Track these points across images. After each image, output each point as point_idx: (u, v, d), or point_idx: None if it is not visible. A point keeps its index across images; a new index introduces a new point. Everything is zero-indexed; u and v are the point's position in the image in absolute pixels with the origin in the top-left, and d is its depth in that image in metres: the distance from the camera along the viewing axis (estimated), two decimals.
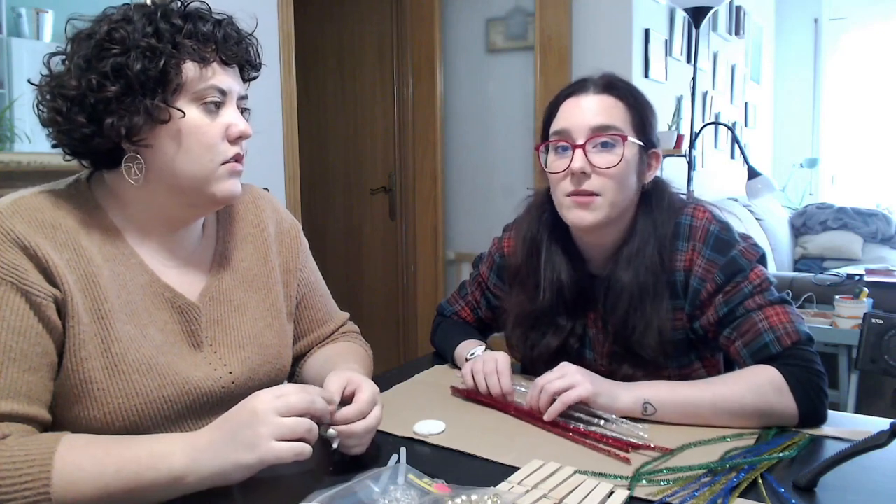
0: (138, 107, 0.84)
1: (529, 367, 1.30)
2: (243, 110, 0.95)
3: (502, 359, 1.15)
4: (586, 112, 1.12)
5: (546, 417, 1.02)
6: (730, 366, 1.23)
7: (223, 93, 0.90)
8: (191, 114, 0.88)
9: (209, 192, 0.91)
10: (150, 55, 0.84)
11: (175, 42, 0.86)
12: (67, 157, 0.91)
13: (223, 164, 0.91)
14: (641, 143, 1.14)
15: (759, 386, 1.02)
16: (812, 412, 1.02)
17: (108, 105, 0.84)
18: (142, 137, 0.87)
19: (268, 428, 0.78)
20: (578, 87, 1.15)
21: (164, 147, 0.88)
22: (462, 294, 1.45)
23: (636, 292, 1.14)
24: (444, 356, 1.38)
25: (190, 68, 0.87)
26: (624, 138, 1.11)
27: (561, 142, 1.13)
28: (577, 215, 1.13)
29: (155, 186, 0.91)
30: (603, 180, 1.11)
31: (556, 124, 1.15)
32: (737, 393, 1.02)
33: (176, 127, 0.87)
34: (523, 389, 1.11)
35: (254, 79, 0.99)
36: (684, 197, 1.23)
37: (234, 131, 0.91)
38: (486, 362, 1.15)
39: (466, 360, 1.22)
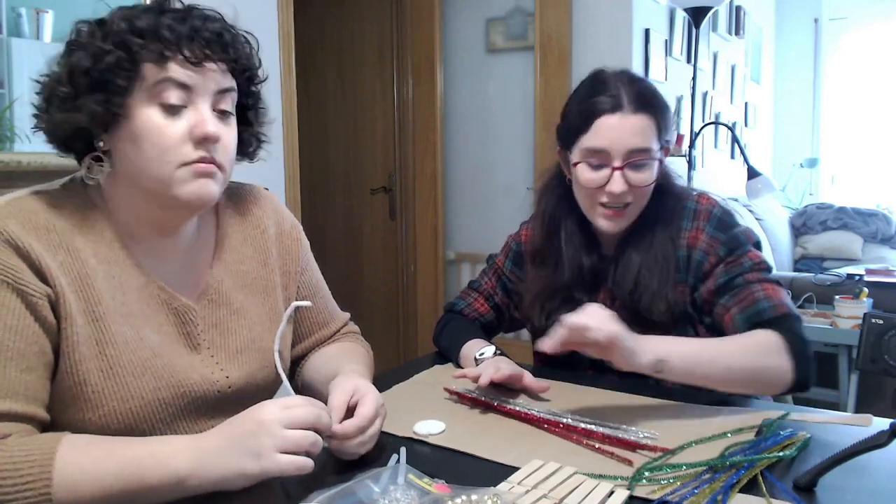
0: (80, 107, 0.83)
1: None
2: (224, 110, 0.90)
3: (505, 363, 1.17)
4: (625, 134, 1.16)
5: (550, 346, 0.99)
6: None
7: (184, 87, 0.85)
8: (146, 114, 0.85)
9: (172, 195, 0.87)
10: (99, 54, 0.83)
11: (124, 41, 0.84)
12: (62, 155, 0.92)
13: (183, 165, 0.86)
14: (661, 148, 1.22)
15: (762, 344, 1.08)
16: (804, 378, 1.09)
17: (61, 104, 0.84)
18: (98, 139, 0.87)
19: (273, 439, 0.77)
20: (614, 104, 1.17)
21: (123, 149, 0.87)
22: (474, 287, 1.48)
23: (645, 264, 1.22)
24: (447, 355, 1.38)
25: (148, 68, 0.84)
26: (660, 161, 1.19)
27: (596, 160, 1.19)
28: (607, 224, 1.22)
29: (127, 189, 0.90)
30: (636, 194, 1.20)
31: (593, 141, 1.18)
32: (742, 350, 1.07)
33: (130, 128, 0.85)
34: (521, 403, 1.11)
35: (249, 77, 0.95)
36: (684, 185, 1.32)
37: (196, 132, 0.86)
38: (488, 366, 1.16)
39: (475, 359, 1.23)
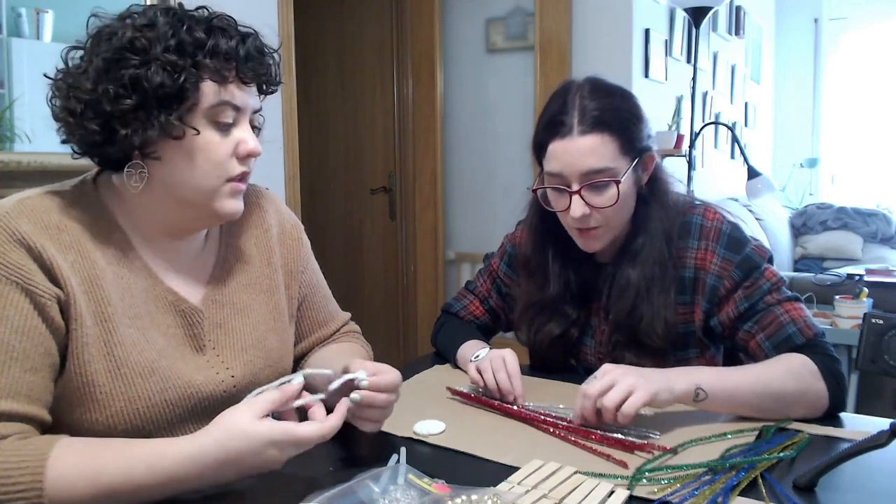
0: (153, 121, 0.83)
1: (532, 351, 1.35)
2: (254, 128, 0.95)
3: (510, 357, 1.15)
4: (575, 157, 1.12)
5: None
6: (730, 363, 1.24)
7: (237, 110, 0.89)
8: (204, 131, 0.87)
9: (212, 208, 0.91)
10: (171, 70, 0.83)
11: (196, 60, 0.84)
12: (75, 156, 0.91)
13: (228, 181, 0.90)
14: (634, 161, 1.15)
15: (797, 370, 1.06)
16: (839, 399, 1.07)
17: (123, 116, 0.83)
18: (153, 150, 0.86)
19: (281, 453, 0.79)
20: (563, 127, 1.12)
21: (173, 160, 0.87)
22: (470, 288, 1.46)
23: (644, 284, 1.17)
24: (445, 356, 1.38)
25: (208, 86, 0.86)
26: (618, 182, 1.12)
27: (557, 184, 1.15)
28: (584, 244, 1.19)
29: (160, 196, 0.90)
30: (604, 214, 1.14)
31: (549, 165, 1.16)
32: (779, 377, 1.05)
33: (188, 143, 0.86)
34: (530, 406, 1.10)
35: (271, 93, 0.97)
36: (685, 194, 1.26)
37: (243, 149, 0.90)
38: (493, 360, 1.15)
39: (471, 361, 1.23)
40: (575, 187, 1.13)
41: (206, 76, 0.86)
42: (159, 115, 0.83)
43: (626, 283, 1.19)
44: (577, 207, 1.13)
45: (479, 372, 1.15)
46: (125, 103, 0.82)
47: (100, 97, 0.83)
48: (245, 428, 0.78)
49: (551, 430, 1.01)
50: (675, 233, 1.19)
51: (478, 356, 1.23)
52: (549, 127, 1.15)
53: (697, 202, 1.24)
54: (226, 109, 0.88)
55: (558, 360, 1.31)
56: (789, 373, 1.05)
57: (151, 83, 0.82)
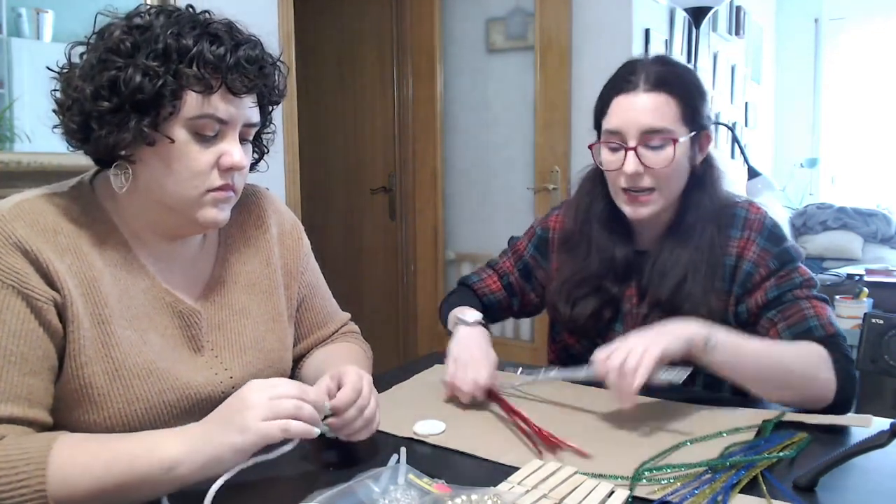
0: (127, 125, 0.82)
1: (566, 327, 1.32)
2: (244, 140, 0.91)
3: (476, 340, 1.17)
4: (637, 113, 1.14)
5: (634, 391, 0.98)
6: None
7: (222, 122, 0.87)
8: (182, 140, 0.85)
9: (192, 216, 0.89)
10: (150, 76, 0.81)
11: (178, 68, 0.82)
12: (70, 149, 0.90)
13: (209, 191, 0.88)
14: (693, 133, 1.17)
15: (808, 354, 1.07)
16: (845, 398, 1.07)
17: (100, 117, 0.83)
18: (130, 153, 0.86)
19: (256, 410, 0.78)
20: (628, 84, 1.15)
21: (151, 165, 0.86)
22: (491, 265, 1.46)
23: (690, 267, 1.18)
24: (444, 323, 1.38)
25: (191, 96, 0.84)
26: (675, 141, 1.14)
27: (613, 142, 1.17)
28: (632, 210, 1.20)
29: (145, 199, 0.90)
30: (656, 177, 1.16)
31: (608, 122, 1.18)
32: (791, 355, 1.07)
33: (164, 150, 0.85)
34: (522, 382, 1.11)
35: (276, 103, 0.96)
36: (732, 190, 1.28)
37: (225, 162, 0.87)
38: (461, 355, 1.15)
39: (458, 318, 1.24)
40: (632, 144, 1.14)
41: (187, 85, 0.83)
42: (132, 119, 0.82)
43: (671, 265, 1.19)
44: (631, 163, 1.14)
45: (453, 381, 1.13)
46: (102, 104, 0.82)
47: (81, 95, 0.83)
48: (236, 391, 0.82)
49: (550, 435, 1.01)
50: (722, 222, 1.21)
51: (463, 318, 1.24)
52: (615, 85, 1.18)
53: (740, 198, 1.27)
54: (209, 123, 0.85)
55: (590, 336, 1.29)
56: (802, 355, 1.07)
57: (129, 87, 0.81)
